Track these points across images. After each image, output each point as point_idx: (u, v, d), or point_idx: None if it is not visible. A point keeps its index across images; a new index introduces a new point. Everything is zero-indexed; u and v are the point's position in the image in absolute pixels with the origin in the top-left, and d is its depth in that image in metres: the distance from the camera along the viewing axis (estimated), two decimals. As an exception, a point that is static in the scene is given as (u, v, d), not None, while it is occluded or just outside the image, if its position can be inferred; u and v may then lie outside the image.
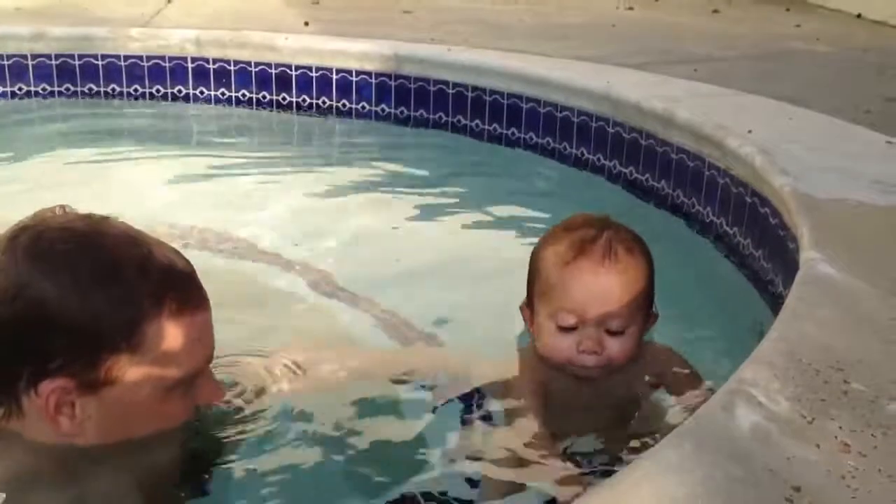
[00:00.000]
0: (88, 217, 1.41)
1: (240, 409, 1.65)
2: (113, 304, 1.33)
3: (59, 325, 1.31)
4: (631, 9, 6.18)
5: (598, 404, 1.84)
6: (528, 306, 1.83)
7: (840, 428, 1.27)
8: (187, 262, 1.45)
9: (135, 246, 1.38)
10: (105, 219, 1.42)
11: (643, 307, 1.76)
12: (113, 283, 1.33)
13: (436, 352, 2.13)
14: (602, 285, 1.71)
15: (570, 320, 1.73)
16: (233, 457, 1.58)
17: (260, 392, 1.70)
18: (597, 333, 1.73)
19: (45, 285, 1.31)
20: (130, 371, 1.35)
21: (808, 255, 1.89)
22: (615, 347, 1.74)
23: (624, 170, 3.34)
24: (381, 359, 2.05)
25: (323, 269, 2.65)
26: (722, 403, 1.32)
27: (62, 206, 1.42)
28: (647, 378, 1.83)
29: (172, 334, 1.37)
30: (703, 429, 1.26)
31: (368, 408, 1.80)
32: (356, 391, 1.83)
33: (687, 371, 1.85)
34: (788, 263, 2.17)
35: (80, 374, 1.33)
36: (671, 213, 3.06)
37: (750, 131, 2.81)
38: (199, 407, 1.53)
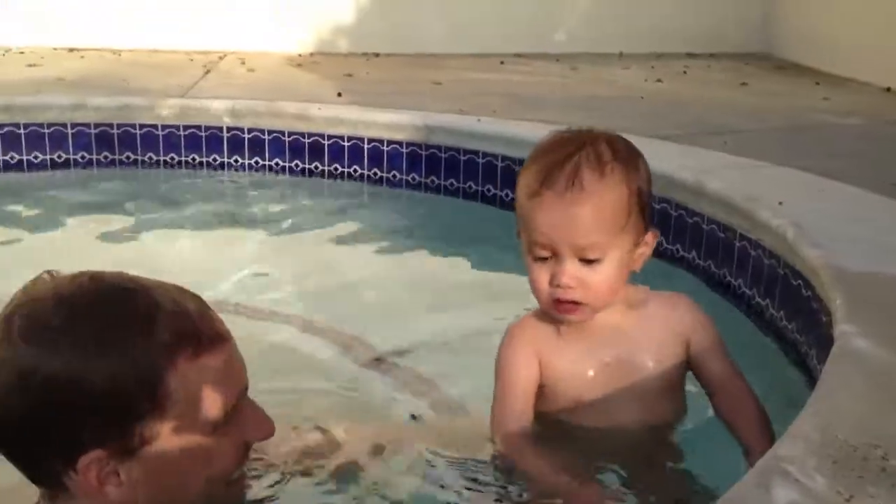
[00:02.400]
0: (78, 278, 1.32)
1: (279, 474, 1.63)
2: (126, 367, 1.26)
3: (78, 402, 1.25)
4: (660, 81, 6.24)
5: (617, 368, 1.76)
6: (519, 236, 1.77)
7: (879, 506, 1.25)
8: (194, 296, 1.38)
9: (135, 298, 1.31)
10: (94, 277, 1.33)
11: (625, 228, 1.67)
12: (121, 345, 1.27)
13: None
14: (566, 216, 1.64)
15: (543, 252, 1.68)
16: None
17: (297, 462, 1.68)
18: (571, 265, 1.66)
19: (52, 366, 1.24)
20: (164, 427, 1.29)
21: (843, 329, 1.88)
22: (593, 278, 1.67)
23: (654, 240, 3.33)
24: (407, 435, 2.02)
25: (354, 335, 2.66)
26: (757, 480, 1.30)
27: (48, 272, 1.35)
28: (662, 332, 1.78)
29: (196, 379, 1.31)
30: (738, 505, 1.25)
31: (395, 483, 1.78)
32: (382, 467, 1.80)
33: (711, 337, 1.80)
34: (822, 336, 2.15)
35: (112, 443, 1.27)
36: (703, 284, 3.05)
37: (781, 203, 2.81)
38: (251, 447, 1.47)
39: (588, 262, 1.67)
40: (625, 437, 1.79)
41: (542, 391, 1.79)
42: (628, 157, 1.71)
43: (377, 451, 1.82)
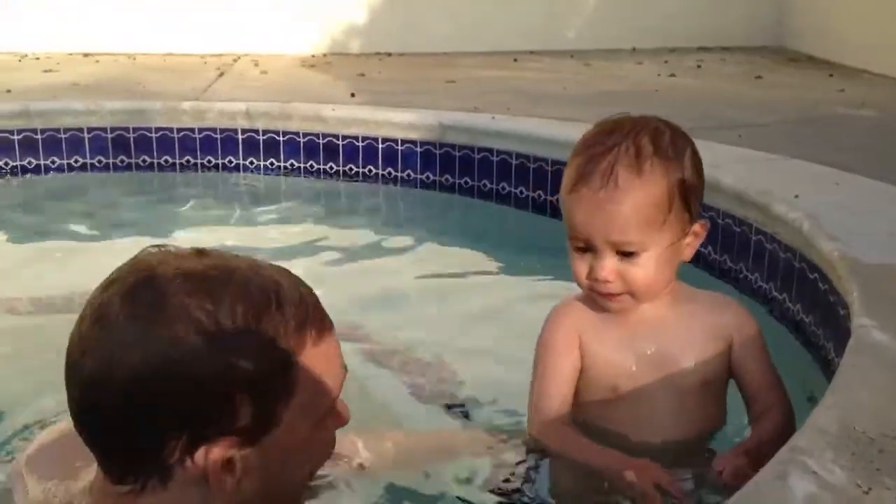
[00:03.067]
0: (203, 255, 1.25)
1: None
2: (261, 349, 1.20)
3: (213, 385, 1.17)
4: (673, 76, 6.22)
5: (655, 355, 1.74)
6: None
7: (897, 498, 1.25)
8: (303, 282, 1.32)
9: (264, 280, 1.24)
10: (222, 255, 1.27)
11: (665, 224, 1.66)
12: (257, 327, 1.20)
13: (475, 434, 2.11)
14: (601, 214, 1.64)
15: (581, 244, 1.69)
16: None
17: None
18: (609, 260, 1.67)
19: (188, 344, 1.15)
20: (288, 412, 1.23)
21: (860, 322, 1.88)
22: (633, 272, 1.67)
23: (669, 236, 3.33)
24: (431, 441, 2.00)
25: (369, 334, 2.66)
26: (776, 473, 1.30)
27: (156, 246, 1.27)
28: (705, 331, 1.76)
29: (319, 363, 1.26)
30: (757, 498, 1.25)
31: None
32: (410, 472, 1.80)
33: (754, 341, 1.78)
34: (840, 329, 2.15)
35: (242, 429, 1.19)
36: (720, 279, 3.04)
37: (796, 196, 2.80)
38: None
39: (627, 254, 1.67)
40: (658, 434, 1.76)
41: (579, 375, 1.79)
42: (673, 150, 1.68)
43: (405, 458, 1.81)
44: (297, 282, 1.30)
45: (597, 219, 1.65)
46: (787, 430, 1.72)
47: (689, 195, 1.69)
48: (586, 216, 1.66)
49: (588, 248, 1.69)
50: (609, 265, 1.67)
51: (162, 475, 1.20)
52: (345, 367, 1.35)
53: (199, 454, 1.18)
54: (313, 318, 1.27)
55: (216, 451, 1.18)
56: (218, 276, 1.21)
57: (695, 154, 1.73)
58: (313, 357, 1.25)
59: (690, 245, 1.73)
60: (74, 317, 1.24)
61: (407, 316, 2.86)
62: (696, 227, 1.73)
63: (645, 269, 1.67)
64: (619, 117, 1.74)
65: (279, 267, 1.31)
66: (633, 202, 1.63)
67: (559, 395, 1.77)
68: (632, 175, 1.63)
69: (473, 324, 2.79)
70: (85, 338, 1.19)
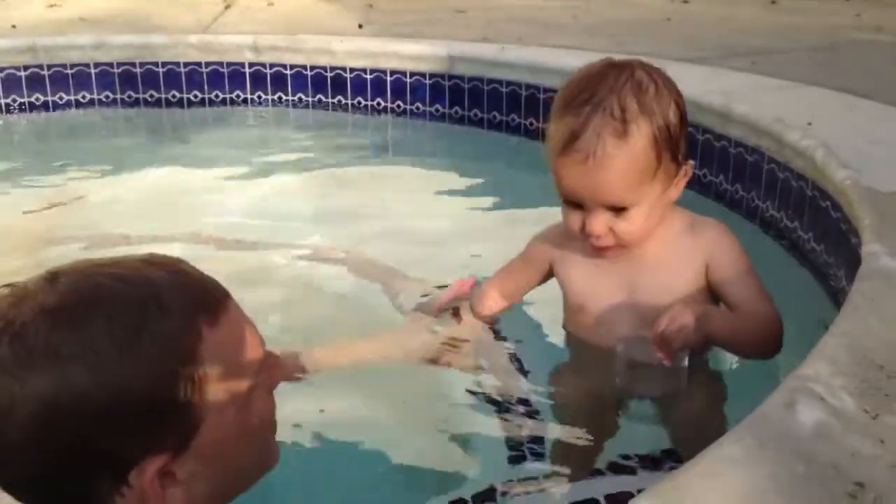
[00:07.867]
0: (57, 281, 1.13)
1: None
2: (153, 361, 1.11)
3: (120, 414, 1.09)
4: (686, 2, 6.11)
5: (636, 290, 1.81)
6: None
7: (905, 423, 1.26)
8: (178, 260, 1.23)
9: (134, 286, 1.14)
10: (73, 275, 1.15)
11: (654, 178, 1.68)
12: (146, 339, 1.11)
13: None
14: (591, 181, 1.66)
15: (572, 200, 1.73)
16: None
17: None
18: (601, 216, 1.70)
19: (79, 385, 1.07)
20: (206, 406, 1.16)
21: (871, 249, 1.87)
22: (623, 226, 1.71)
23: (681, 165, 3.30)
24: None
25: (378, 265, 2.67)
26: (784, 399, 1.30)
27: (7, 286, 1.15)
28: (680, 256, 1.79)
29: (223, 344, 1.18)
30: (764, 425, 1.25)
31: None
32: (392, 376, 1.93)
33: (735, 255, 1.80)
34: (851, 257, 2.14)
35: (163, 444, 1.13)
36: (730, 208, 3.03)
37: (810, 124, 2.77)
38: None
39: (619, 210, 1.70)
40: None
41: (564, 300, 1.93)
42: (657, 103, 1.67)
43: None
44: (174, 268, 1.20)
45: (587, 184, 1.67)
46: (761, 330, 1.75)
47: (676, 143, 1.69)
48: (576, 181, 1.68)
49: (578, 203, 1.72)
50: (601, 222, 1.71)
51: None
52: (260, 335, 1.28)
53: (133, 480, 1.12)
54: (202, 302, 1.18)
55: (148, 472, 1.12)
56: (79, 300, 1.11)
57: (678, 96, 1.73)
58: (214, 342, 1.17)
59: (678, 186, 1.75)
60: None
61: (416, 248, 2.85)
62: (686, 167, 1.75)
63: (635, 221, 1.71)
64: (602, 65, 1.73)
65: (146, 257, 1.21)
66: (621, 168, 1.64)
67: (500, 280, 2.04)
68: (619, 141, 1.63)
69: (485, 255, 2.79)
70: None
